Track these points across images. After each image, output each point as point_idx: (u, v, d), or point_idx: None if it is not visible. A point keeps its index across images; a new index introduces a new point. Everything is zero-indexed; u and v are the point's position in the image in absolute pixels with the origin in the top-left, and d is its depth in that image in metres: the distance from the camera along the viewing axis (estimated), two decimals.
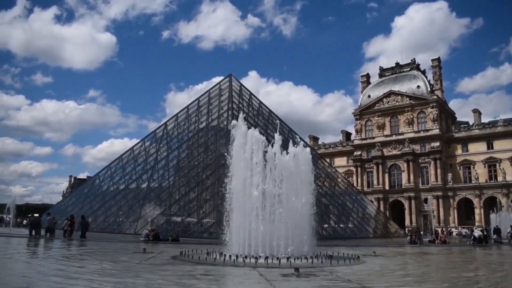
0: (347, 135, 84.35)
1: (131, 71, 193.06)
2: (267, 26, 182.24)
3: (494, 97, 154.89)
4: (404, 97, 70.80)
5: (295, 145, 14.66)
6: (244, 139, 14.23)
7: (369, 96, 75.80)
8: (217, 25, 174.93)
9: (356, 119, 75.39)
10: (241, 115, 15.20)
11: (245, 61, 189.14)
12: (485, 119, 72.04)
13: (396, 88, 72.72)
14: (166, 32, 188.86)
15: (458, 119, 77.99)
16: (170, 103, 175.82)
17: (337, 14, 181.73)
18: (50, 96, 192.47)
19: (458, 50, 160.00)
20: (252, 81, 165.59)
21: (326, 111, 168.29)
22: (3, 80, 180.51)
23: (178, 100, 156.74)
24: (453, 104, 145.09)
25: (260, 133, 14.59)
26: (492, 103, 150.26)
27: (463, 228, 56.53)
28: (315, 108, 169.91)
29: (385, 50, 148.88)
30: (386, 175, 69.57)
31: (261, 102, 43.95)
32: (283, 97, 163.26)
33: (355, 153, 73.96)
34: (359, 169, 72.77)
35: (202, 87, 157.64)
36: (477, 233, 28.95)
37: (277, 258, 11.85)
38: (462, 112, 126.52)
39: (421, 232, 40.01)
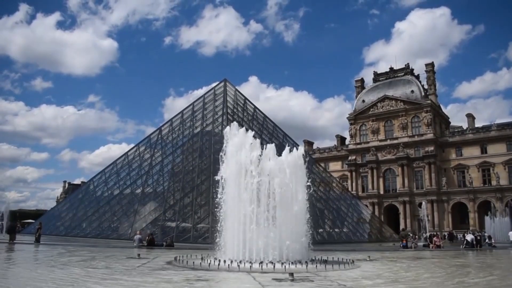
0: (342, 139, 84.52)
1: (132, 77, 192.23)
2: (270, 32, 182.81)
3: (491, 102, 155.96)
4: (398, 101, 71.14)
5: (289, 150, 14.71)
6: (238, 144, 14.26)
7: (363, 101, 76.10)
8: (219, 30, 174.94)
9: (351, 124, 75.58)
10: (235, 122, 15.23)
11: (246, 67, 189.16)
12: (482, 124, 72.63)
13: (390, 93, 73.09)
14: (168, 38, 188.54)
15: (457, 123, 78.53)
16: (168, 108, 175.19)
17: (339, 21, 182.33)
18: (49, 101, 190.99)
19: (458, 56, 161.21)
20: (252, 86, 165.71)
21: (326, 116, 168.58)
22: (2, 86, 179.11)
23: (177, 106, 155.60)
24: (450, 109, 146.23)
25: (254, 138, 14.62)
26: (489, 108, 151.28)
27: (454, 232, 56.83)
28: (314, 113, 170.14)
29: (385, 56, 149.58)
30: (381, 180, 69.71)
31: (255, 107, 44.05)
32: (283, 102, 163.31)
33: (349, 158, 74.09)
34: (353, 173, 72.89)
35: (201, 92, 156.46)
36: (469, 237, 29.11)
37: (272, 263, 11.87)
38: (460, 116, 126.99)
39: (416, 236, 40.11)
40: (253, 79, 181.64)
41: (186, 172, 36.67)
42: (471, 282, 10.11)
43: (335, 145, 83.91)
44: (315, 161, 55.16)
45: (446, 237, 45.64)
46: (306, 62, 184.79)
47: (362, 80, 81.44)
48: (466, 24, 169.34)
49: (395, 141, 69.30)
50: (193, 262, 12.06)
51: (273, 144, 14.64)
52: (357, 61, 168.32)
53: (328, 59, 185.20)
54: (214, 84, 45.50)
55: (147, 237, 25.10)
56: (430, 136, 66.87)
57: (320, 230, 35.38)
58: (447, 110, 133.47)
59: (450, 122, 78.10)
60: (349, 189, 66.49)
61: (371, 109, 73.51)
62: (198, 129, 39.40)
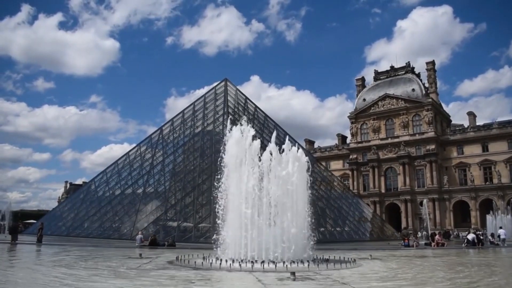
0: (343, 138, 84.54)
1: (133, 77, 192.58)
2: (271, 31, 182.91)
3: (493, 100, 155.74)
4: (399, 100, 71.09)
5: (290, 150, 14.68)
6: (239, 145, 14.24)
7: (364, 99, 76.06)
8: (220, 30, 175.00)
9: (352, 123, 75.58)
10: (238, 124, 15.20)
11: (247, 66, 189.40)
12: (483, 122, 72.47)
13: (391, 91, 73.04)
14: (169, 38, 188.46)
15: (458, 122, 78.45)
16: (170, 108, 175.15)
17: (341, 20, 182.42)
18: (51, 102, 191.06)
19: (459, 55, 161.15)
20: (254, 85, 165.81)
21: (327, 115, 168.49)
22: (4, 86, 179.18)
23: (178, 105, 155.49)
24: (452, 107, 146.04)
25: (255, 137, 14.60)
26: (490, 106, 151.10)
27: (450, 230, 56.85)
28: (315, 112, 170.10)
29: (387, 54, 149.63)
30: (382, 178, 69.70)
31: (256, 106, 44.01)
32: (284, 101, 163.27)
33: (351, 157, 74.09)
34: (355, 172, 72.90)
35: (203, 92, 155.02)
36: (470, 236, 29.06)
37: (274, 262, 11.87)
38: (461, 115, 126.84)
39: (418, 235, 40.11)
40: (255, 79, 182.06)
41: (187, 172, 36.65)
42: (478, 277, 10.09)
43: (336, 144, 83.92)
44: (316, 160, 55.13)
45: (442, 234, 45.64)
46: (308, 61, 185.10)
47: (363, 79, 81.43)
48: (468, 22, 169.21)
49: (396, 140, 69.29)
50: (195, 262, 12.06)
51: (275, 143, 14.60)
52: (359, 60, 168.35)
53: (330, 58, 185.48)
54: (215, 84, 45.53)
55: (149, 237, 25.12)
56: (431, 134, 66.84)
57: (322, 229, 35.33)
58: (449, 108, 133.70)
59: (451, 120, 78.06)
60: (351, 188, 66.54)
61: (372, 108, 73.48)
62: (199, 128, 39.38)
